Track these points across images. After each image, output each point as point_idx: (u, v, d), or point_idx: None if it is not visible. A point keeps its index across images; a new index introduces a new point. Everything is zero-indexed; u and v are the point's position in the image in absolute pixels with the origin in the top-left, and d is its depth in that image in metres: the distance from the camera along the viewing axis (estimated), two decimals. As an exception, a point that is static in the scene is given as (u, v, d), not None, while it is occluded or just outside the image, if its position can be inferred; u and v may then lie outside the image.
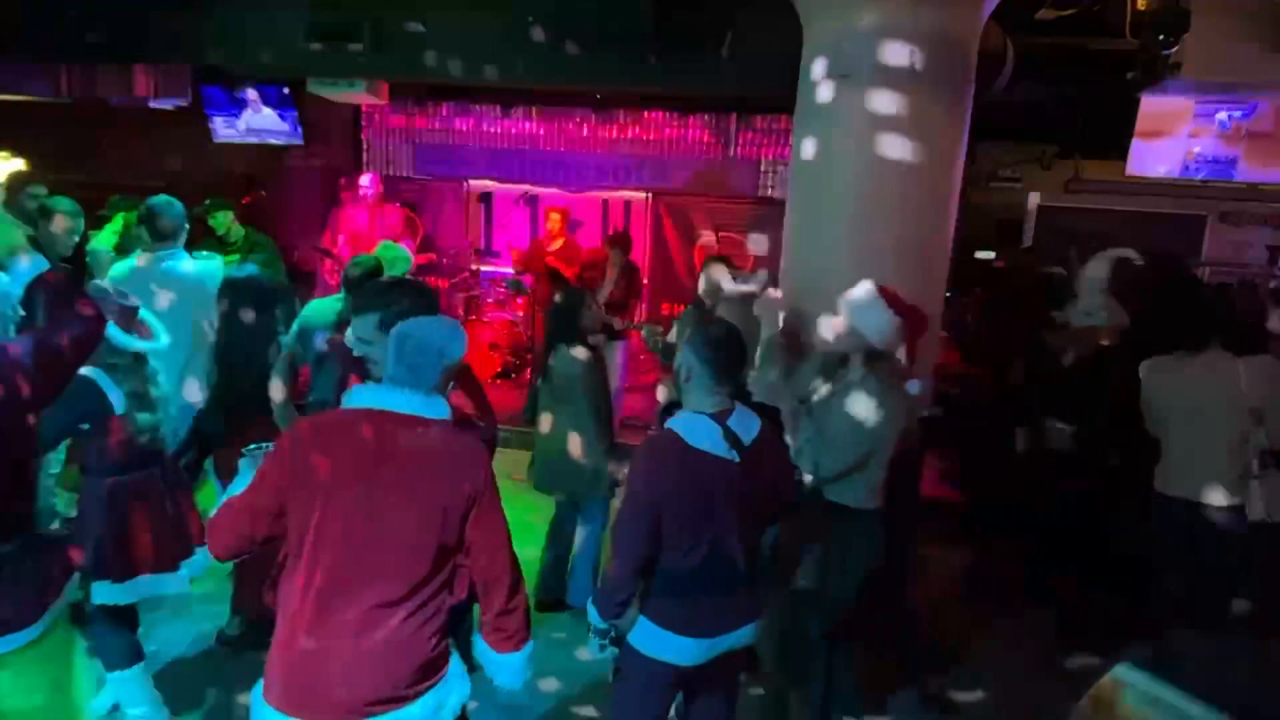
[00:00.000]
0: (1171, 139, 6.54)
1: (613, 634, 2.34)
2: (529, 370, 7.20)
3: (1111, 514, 3.80)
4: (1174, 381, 3.31)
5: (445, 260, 8.35)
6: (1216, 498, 3.18)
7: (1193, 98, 6.21)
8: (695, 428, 2.22)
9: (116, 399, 2.70)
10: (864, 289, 3.03)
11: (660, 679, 2.34)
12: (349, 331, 2.58)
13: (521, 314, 7.77)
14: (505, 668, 2.09)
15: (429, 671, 1.92)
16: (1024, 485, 4.41)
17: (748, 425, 2.26)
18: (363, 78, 6.60)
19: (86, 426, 2.73)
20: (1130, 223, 7.43)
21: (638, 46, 5.61)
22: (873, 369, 2.93)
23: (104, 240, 4.64)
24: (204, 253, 4.18)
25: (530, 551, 4.55)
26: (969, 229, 7.17)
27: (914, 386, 2.94)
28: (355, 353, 2.52)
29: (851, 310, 2.96)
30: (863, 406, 2.84)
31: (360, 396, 1.96)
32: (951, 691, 3.63)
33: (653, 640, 2.30)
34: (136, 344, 2.78)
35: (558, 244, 7.33)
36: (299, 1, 5.98)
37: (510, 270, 8.17)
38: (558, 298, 4.01)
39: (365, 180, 7.31)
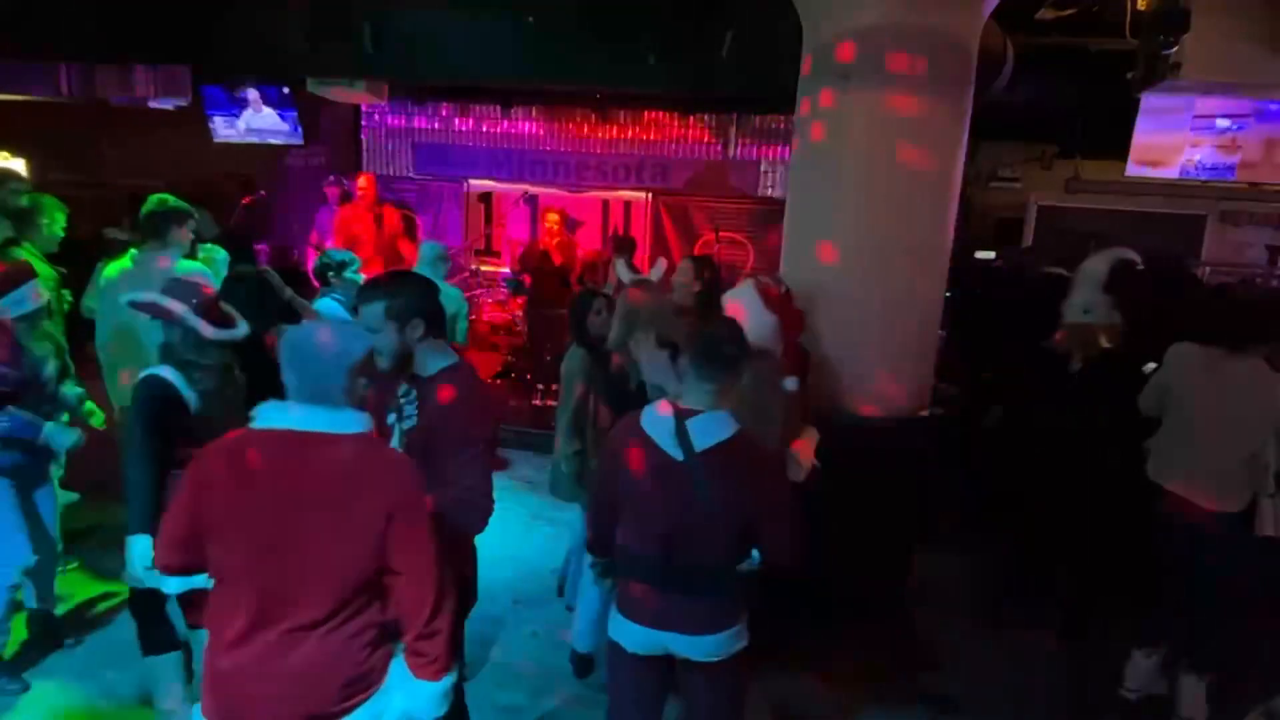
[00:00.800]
0: (1167, 169, 6.64)
1: (600, 568, 2.54)
2: (530, 371, 7.21)
3: (1112, 513, 3.80)
4: (1207, 376, 3.21)
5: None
6: (1211, 502, 3.14)
7: (1186, 131, 6.33)
8: (652, 416, 2.27)
9: (190, 397, 2.68)
10: (745, 288, 3.06)
11: (618, 660, 2.39)
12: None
13: (521, 314, 7.78)
14: (421, 696, 1.94)
15: (359, 686, 1.88)
16: (1025, 484, 4.42)
17: (710, 431, 2.21)
18: (363, 78, 6.60)
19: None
20: (1130, 223, 7.44)
21: (638, 46, 5.61)
22: (750, 365, 2.96)
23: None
24: (208, 245, 4.12)
25: (525, 550, 4.57)
26: (969, 229, 7.20)
27: (790, 383, 2.97)
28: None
29: (731, 310, 3.00)
30: (744, 402, 2.87)
31: (267, 416, 1.87)
32: (951, 692, 3.63)
33: (613, 619, 2.40)
34: (225, 334, 2.72)
35: (554, 243, 7.36)
36: (299, 1, 5.98)
37: (510, 270, 8.18)
38: (571, 303, 3.99)
39: (362, 182, 7.31)
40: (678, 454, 2.19)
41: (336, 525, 1.81)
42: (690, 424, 2.21)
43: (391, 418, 2.46)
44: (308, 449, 1.82)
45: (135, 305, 2.74)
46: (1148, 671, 3.47)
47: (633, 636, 2.33)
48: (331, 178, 7.66)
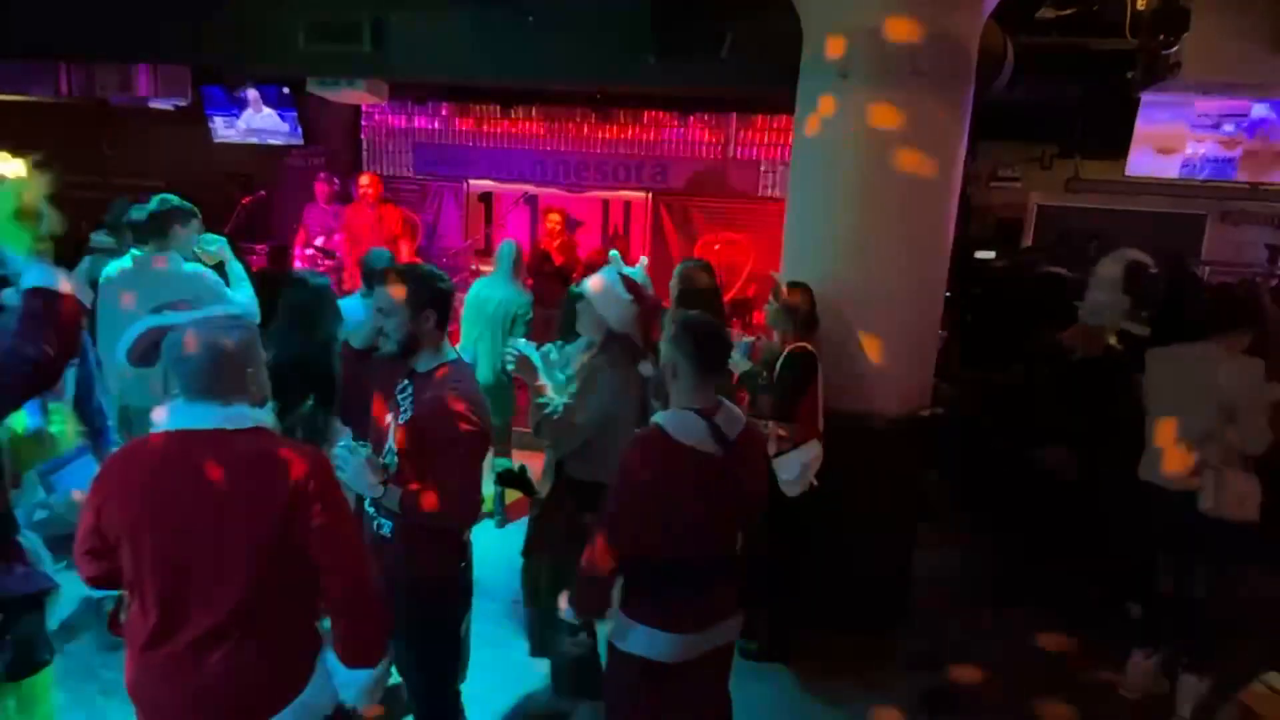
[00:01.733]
0: (1170, 156, 6.63)
1: (583, 633, 2.39)
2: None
3: (1108, 509, 3.80)
4: (1162, 371, 3.38)
5: (445, 260, 8.35)
6: (1174, 484, 3.24)
7: (1187, 130, 6.34)
8: (682, 424, 2.24)
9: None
10: (609, 270, 3.12)
11: (645, 676, 2.34)
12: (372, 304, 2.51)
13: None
14: (351, 685, 1.92)
15: (280, 692, 1.85)
16: (1022, 482, 4.42)
17: (733, 421, 2.29)
18: (363, 78, 6.60)
19: None
20: (1130, 223, 7.43)
21: (638, 46, 5.61)
22: (609, 349, 3.01)
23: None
24: (210, 236, 4.10)
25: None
26: (969, 229, 7.19)
27: (645, 368, 3.03)
28: (374, 322, 2.46)
29: (593, 296, 3.03)
30: (600, 384, 2.94)
31: (165, 419, 1.84)
32: (952, 690, 3.63)
33: (635, 636, 2.31)
34: None
35: (555, 243, 7.36)
36: (299, 1, 5.98)
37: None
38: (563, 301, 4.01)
39: (365, 180, 7.30)
40: (719, 451, 2.23)
41: (235, 524, 1.76)
42: (718, 420, 2.25)
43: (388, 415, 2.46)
44: (200, 448, 1.78)
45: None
46: (1147, 672, 3.47)
47: (681, 646, 2.30)
48: (323, 175, 7.59)
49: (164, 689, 1.80)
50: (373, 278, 4.01)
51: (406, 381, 2.43)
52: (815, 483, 3.49)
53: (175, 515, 1.76)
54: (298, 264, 7.16)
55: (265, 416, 1.88)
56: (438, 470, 2.29)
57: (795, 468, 3.43)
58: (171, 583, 1.77)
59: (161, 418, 1.84)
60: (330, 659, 1.92)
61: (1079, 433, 3.85)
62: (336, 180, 7.54)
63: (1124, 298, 3.91)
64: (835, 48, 3.81)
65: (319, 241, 7.19)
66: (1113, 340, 3.90)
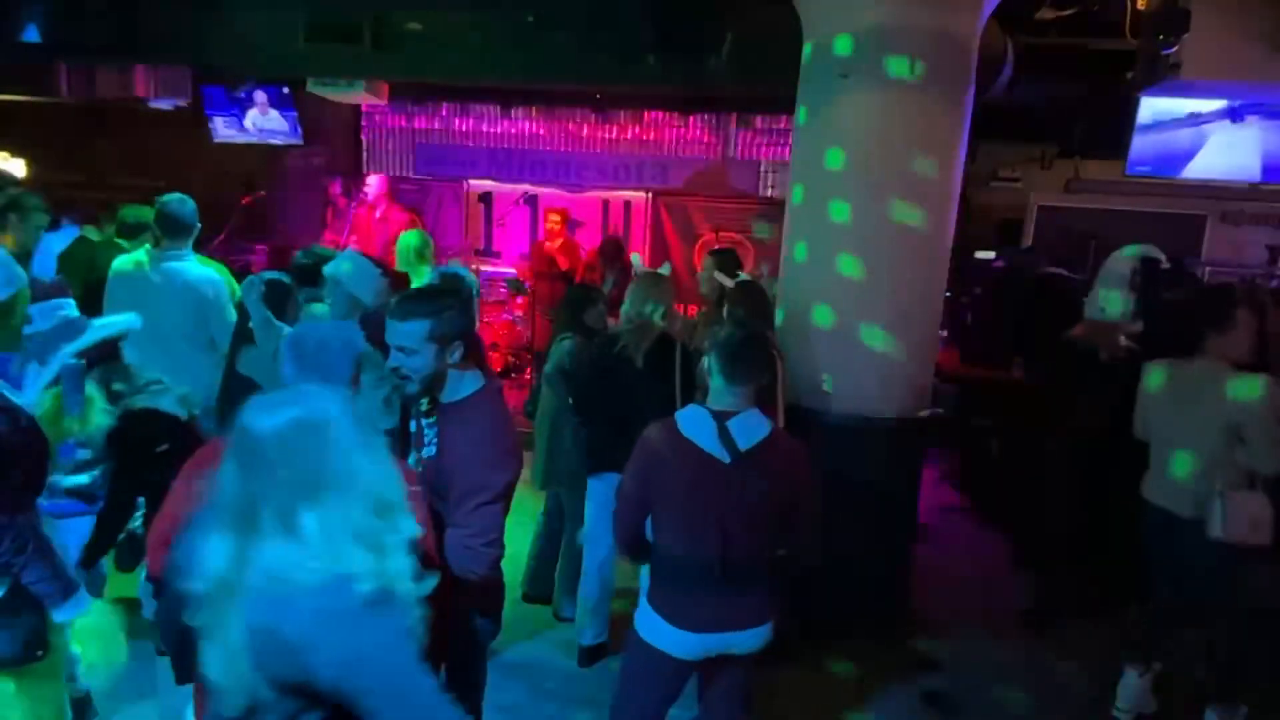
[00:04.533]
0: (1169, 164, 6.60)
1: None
2: (529, 370, 7.20)
3: (1109, 518, 3.78)
4: (1164, 386, 3.19)
5: (445, 261, 8.34)
6: (1186, 510, 3.05)
7: (1187, 129, 6.29)
8: (691, 420, 2.29)
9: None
10: (350, 256, 3.23)
11: (656, 666, 2.39)
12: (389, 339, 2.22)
13: (521, 314, 7.78)
14: None
15: None
16: (1024, 484, 4.42)
17: (751, 430, 2.26)
18: (363, 78, 6.61)
19: None
20: (1130, 223, 7.43)
21: (638, 46, 5.61)
22: (367, 327, 3.12)
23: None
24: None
25: (525, 549, 4.56)
26: (969, 229, 7.19)
27: None
28: (391, 363, 2.16)
29: (345, 277, 3.11)
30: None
31: None
32: (952, 692, 3.63)
33: (649, 626, 2.37)
34: None
35: (557, 243, 7.36)
36: (299, 1, 5.98)
37: (510, 270, 8.18)
38: (569, 292, 4.00)
39: (371, 181, 7.27)
40: (724, 455, 2.23)
41: None
42: (731, 425, 2.25)
43: (411, 457, 2.31)
44: None
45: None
46: (1139, 690, 3.40)
47: (687, 644, 2.33)
48: (325, 177, 7.51)
49: None
50: (308, 274, 3.96)
51: (431, 409, 2.23)
52: None
53: None
54: None
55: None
56: (459, 515, 2.10)
57: None
58: None
59: None
60: None
61: (1110, 437, 3.60)
62: (339, 181, 7.51)
63: (1130, 295, 3.75)
64: (835, 47, 3.81)
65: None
66: (1123, 339, 3.78)
